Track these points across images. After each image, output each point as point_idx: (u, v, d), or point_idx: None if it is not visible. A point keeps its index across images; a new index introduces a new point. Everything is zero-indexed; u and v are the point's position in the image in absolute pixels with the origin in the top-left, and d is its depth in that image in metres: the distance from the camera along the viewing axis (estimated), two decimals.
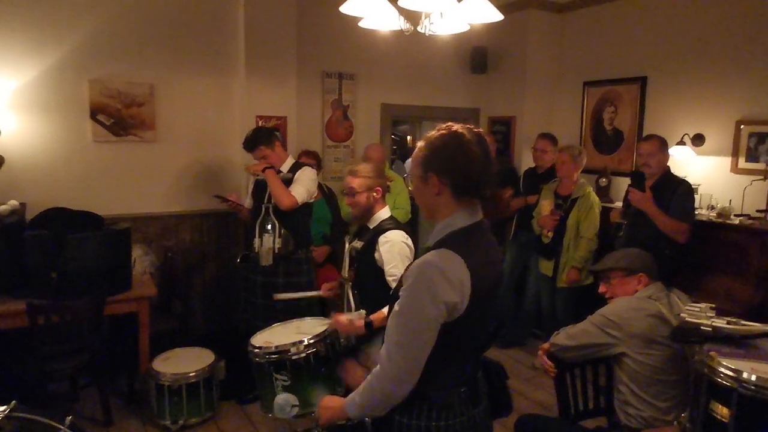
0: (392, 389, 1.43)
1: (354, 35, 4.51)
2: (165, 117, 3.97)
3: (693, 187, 3.48)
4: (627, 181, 4.38)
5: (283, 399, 1.64)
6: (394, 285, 2.17)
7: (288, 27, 4.14)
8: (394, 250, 2.19)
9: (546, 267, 4.04)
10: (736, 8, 3.77)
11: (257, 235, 3.28)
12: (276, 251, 3.25)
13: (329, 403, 1.61)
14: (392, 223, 2.29)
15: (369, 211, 2.33)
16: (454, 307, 1.37)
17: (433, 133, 1.48)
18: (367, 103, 4.83)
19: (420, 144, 1.49)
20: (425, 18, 2.04)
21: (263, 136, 3.29)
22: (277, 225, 3.24)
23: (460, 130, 1.45)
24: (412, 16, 2.15)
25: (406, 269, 1.49)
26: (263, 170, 3.18)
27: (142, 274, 3.64)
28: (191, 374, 3.20)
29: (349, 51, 4.62)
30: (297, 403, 1.61)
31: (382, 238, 2.22)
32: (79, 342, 3.07)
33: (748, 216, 3.58)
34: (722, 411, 1.67)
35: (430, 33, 2.10)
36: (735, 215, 3.60)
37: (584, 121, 4.85)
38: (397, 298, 1.45)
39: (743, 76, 3.75)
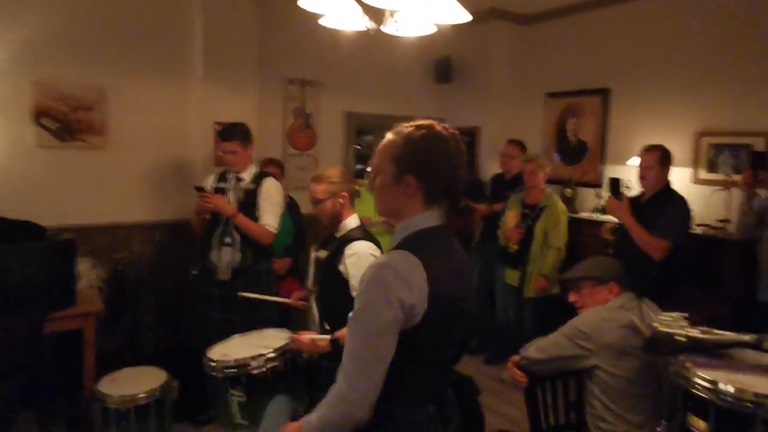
0: (352, 410, 1.30)
1: (317, 41, 4.40)
2: (116, 122, 3.76)
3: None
4: (592, 192, 4.43)
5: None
6: None
7: (249, 31, 4.02)
8: (360, 264, 2.05)
9: (512, 277, 3.99)
10: (695, 23, 3.85)
11: (215, 248, 3.12)
12: (236, 266, 3.09)
13: (286, 429, 1.48)
14: (360, 233, 2.17)
15: (337, 219, 2.21)
16: (411, 309, 1.27)
17: (410, 130, 1.36)
18: (331, 111, 4.73)
19: (393, 138, 1.38)
20: (390, 16, 1.96)
21: (243, 133, 3.16)
22: (237, 238, 3.08)
23: (444, 132, 1.36)
24: (376, 16, 2.06)
25: None
26: (233, 215, 3.03)
27: (88, 288, 3.41)
28: (141, 396, 2.97)
29: (313, 57, 4.52)
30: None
31: (348, 250, 2.09)
32: (15, 362, 2.81)
33: (710, 226, 3.62)
34: (699, 424, 1.61)
35: (396, 33, 2.01)
36: (697, 225, 3.63)
37: (548, 131, 4.87)
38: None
39: (703, 89, 3.82)
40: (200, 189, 3.06)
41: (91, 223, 3.72)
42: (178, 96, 3.97)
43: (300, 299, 2.52)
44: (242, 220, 3.07)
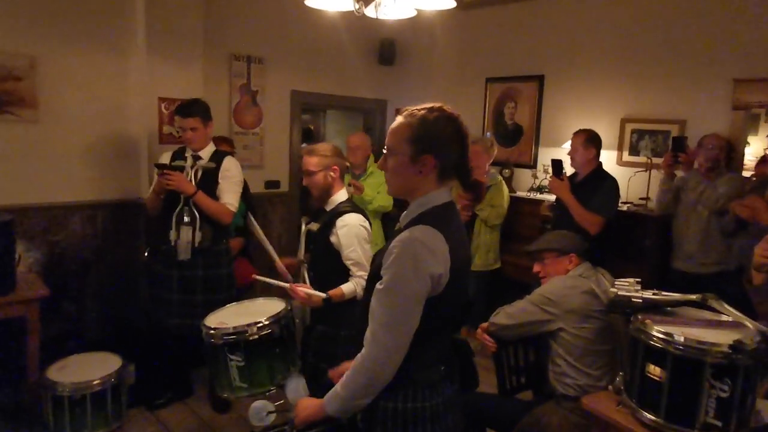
0: (379, 372, 1.40)
1: (264, 17, 4.33)
2: (50, 94, 3.48)
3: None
4: (528, 172, 4.74)
5: (260, 405, 1.59)
6: (353, 269, 2.17)
7: (194, 3, 3.84)
8: (351, 233, 2.18)
9: None
10: (622, 16, 4.20)
11: (173, 227, 3.03)
12: (195, 244, 3.03)
13: (305, 404, 1.55)
14: (350, 206, 2.27)
15: (327, 192, 2.28)
16: (438, 279, 1.38)
17: (423, 112, 1.45)
18: (277, 89, 4.66)
19: (408, 120, 1.46)
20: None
21: (204, 109, 3.07)
22: (197, 216, 3.01)
23: (454, 113, 1.46)
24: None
25: (385, 248, 1.47)
26: (193, 194, 2.96)
27: (26, 273, 3.18)
28: (95, 382, 2.87)
29: (259, 34, 4.42)
30: (273, 410, 1.57)
31: (339, 222, 2.19)
32: None
33: (632, 203, 4.03)
34: (656, 371, 1.86)
35: (384, 17, 2.07)
36: (622, 203, 4.02)
37: (486, 115, 5.11)
38: (376, 279, 1.43)
39: (627, 78, 4.19)
40: (162, 166, 2.95)
41: (24, 203, 3.45)
42: (117, 68, 3.73)
43: (286, 265, 2.59)
44: (203, 198, 3.00)
